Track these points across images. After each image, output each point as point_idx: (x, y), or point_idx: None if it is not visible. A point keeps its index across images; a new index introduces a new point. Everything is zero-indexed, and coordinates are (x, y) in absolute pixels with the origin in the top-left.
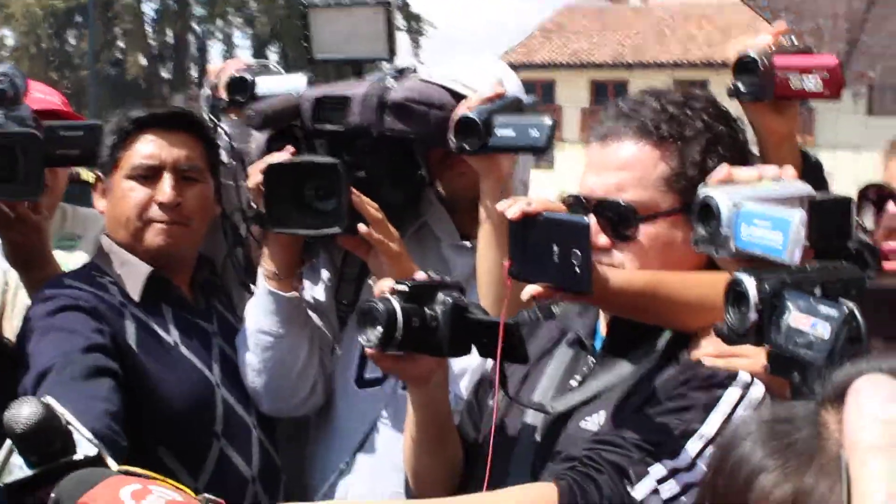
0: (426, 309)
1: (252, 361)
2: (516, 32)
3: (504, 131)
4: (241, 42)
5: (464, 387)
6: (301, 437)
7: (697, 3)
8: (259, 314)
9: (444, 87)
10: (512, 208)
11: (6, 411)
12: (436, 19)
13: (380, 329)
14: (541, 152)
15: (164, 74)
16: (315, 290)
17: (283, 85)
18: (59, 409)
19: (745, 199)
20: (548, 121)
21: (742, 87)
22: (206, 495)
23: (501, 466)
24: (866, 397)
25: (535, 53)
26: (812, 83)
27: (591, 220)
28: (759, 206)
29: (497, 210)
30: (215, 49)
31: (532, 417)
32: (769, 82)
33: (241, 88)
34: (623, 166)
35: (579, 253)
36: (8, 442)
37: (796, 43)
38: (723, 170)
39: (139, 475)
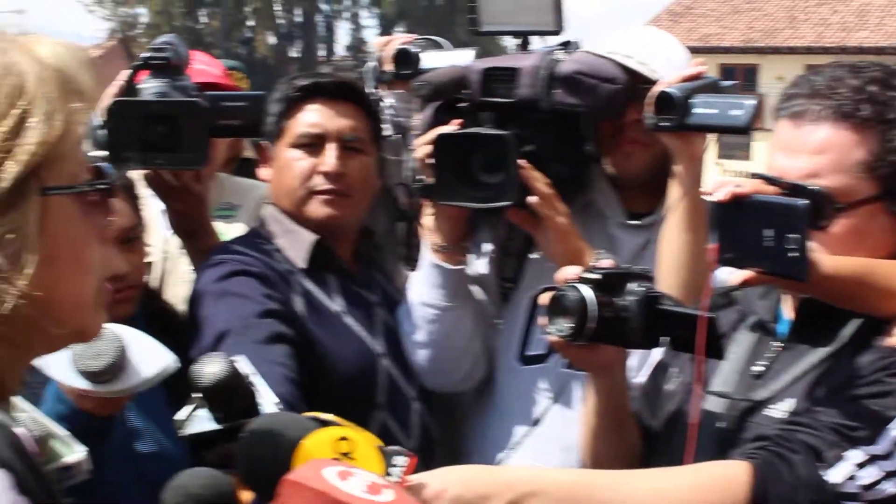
0: (617, 299)
1: (416, 335)
2: (639, 14)
3: (704, 110)
4: (368, 22)
5: (643, 375)
6: (455, 412)
7: None
8: (424, 287)
9: (613, 61)
10: (721, 190)
11: (193, 366)
12: None
13: (572, 319)
14: (741, 132)
15: (293, 53)
16: (478, 264)
17: (449, 60)
18: (246, 370)
19: None
20: (751, 101)
21: None
22: (396, 447)
23: (683, 454)
24: None
25: None
26: None
27: None
28: None
29: (692, 192)
30: (343, 28)
31: (714, 404)
32: None
33: (407, 61)
34: (818, 150)
35: (795, 237)
36: (195, 394)
37: None
38: None
39: (326, 422)
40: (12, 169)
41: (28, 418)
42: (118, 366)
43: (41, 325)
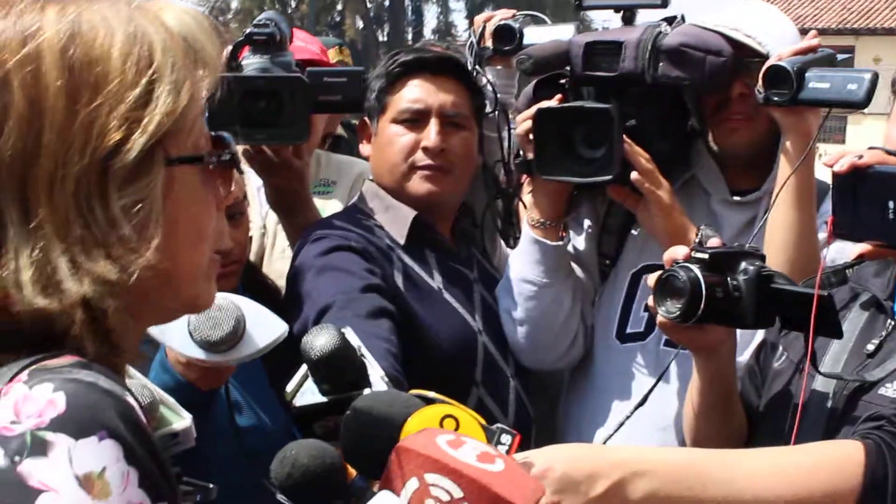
0: (728, 278)
1: (514, 311)
2: None
3: (818, 84)
4: (456, 5)
5: (747, 354)
6: (552, 391)
7: None
8: (523, 263)
9: (720, 34)
10: (841, 161)
11: (304, 337)
12: None
13: (682, 301)
14: (858, 107)
15: (380, 37)
16: (577, 241)
17: (550, 35)
18: (356, 342)
19: None
20: (868, 75)
21: None
22: (501, 425)
23: (791, 434)
24: None
25: None
26: None
27: None
28: None
29: (801, 169)
30: (430, 12)
31: (822, 384)
32: None
33: (507, 37)
34: None
35: None
36: (304, 366)
37: None
38: None
39: (431, 399)
40: (140, 139)
41: (138, 384)
42: (236, 335)
43: (160, 294)
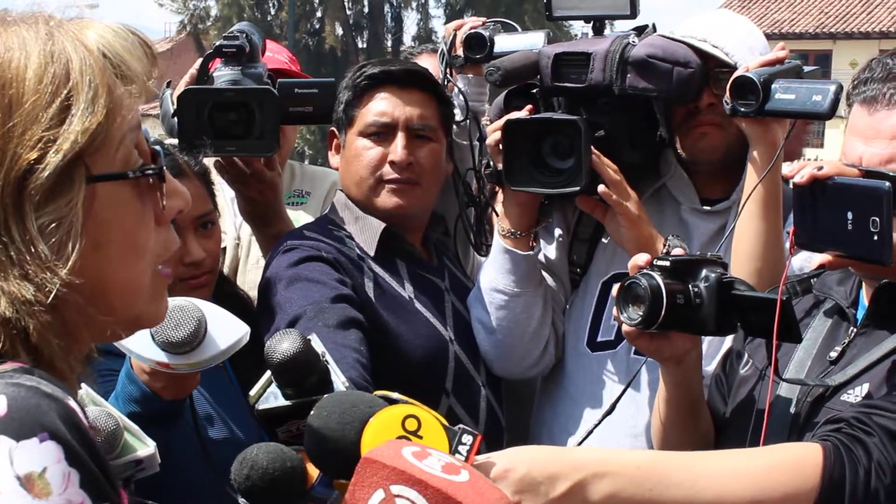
0: (690, 285)
1: (485, 320)
2: (710, 2)
3: (784, 95)
4: (436, 12)
5: (714, 363)
6: (524, 399)
7: None
8: (494, 272)
9: (688, 45)
10: (801, 172)
11: (268, 342)
12: None
13: (644, 307)
14: (823, 119)
15: (360, 44)
16: (548, 250)
17: (520, 43)
18: (320, 348)
19: None
20: (834, 86)
21: None
22: (463, 426)
23: (755, 439)
24: None
25: None
26: None
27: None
28: None
29: (767, 179)
30: (410, 18)
31: (786, 390)
32: None
33: (478, 45)
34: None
35: (878, 220)
36: (268, 371)
37: None
38: None
39: (394, 400)
40: (54, 159)
41: (102, 412)
42: (198, 336)
43: (89, 312)
